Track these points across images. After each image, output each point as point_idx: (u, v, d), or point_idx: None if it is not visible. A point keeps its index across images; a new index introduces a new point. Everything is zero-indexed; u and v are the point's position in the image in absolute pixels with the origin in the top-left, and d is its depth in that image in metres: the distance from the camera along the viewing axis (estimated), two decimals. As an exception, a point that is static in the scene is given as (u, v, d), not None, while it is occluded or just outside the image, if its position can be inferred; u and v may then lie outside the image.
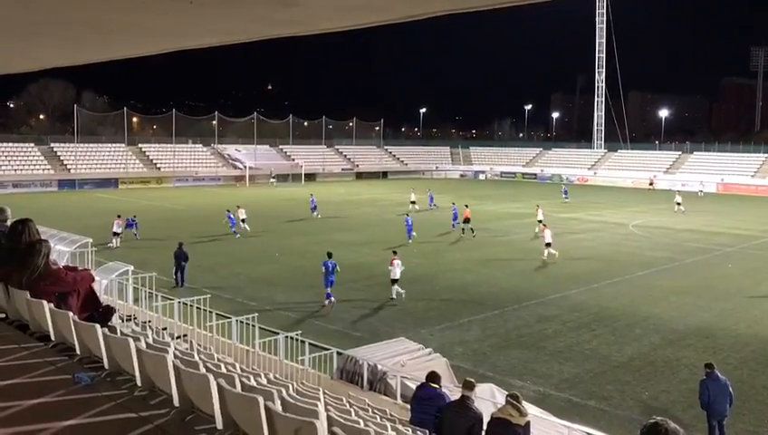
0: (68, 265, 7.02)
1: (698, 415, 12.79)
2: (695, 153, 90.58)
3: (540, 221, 38.46)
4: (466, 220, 39.51)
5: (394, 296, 23.88)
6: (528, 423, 8.70)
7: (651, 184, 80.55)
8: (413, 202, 50.85)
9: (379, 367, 13.48)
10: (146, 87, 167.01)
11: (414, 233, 36.82)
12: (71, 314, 6.11)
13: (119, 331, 6.26)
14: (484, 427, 8.82)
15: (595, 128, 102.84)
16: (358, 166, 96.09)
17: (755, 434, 13.57)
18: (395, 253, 25.50)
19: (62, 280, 6.53)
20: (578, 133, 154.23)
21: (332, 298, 23.00)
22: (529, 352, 18.36)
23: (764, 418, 14.29)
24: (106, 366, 5.69)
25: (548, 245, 32.15)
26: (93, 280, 6.84)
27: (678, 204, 53.17)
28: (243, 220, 39.47)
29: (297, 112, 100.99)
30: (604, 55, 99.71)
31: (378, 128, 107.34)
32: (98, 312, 6.66)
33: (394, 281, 24.24)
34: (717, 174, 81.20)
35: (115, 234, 33.71)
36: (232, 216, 38.89)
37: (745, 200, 65.67)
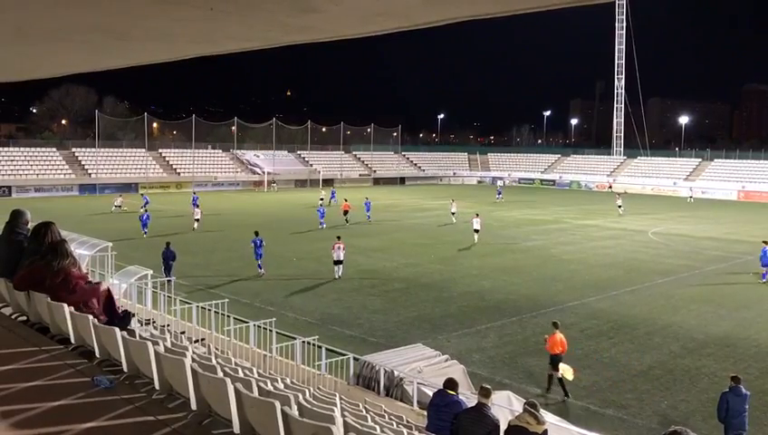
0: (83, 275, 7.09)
1: (718, 426, 12.63)
2: (715, 160, 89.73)
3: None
4: (345, 212, 46.56)
5: (338, 277, 27.94)
6: (546, 432, 8.64)
7: (610, 187, 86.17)
8: (321, 199, 56.25)
9: (396, 373, 13.47)
10: (166, 92, 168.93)
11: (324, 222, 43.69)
12: (90, 317, 6.17)
13: (137, 334, 6.31)
14: (501, 434, 8.77)
15: (614, 134, 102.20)
16: (375, 171, 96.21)
17: (777, 445, 13.39)
18: (339, 238, 29.42)
19: (71, 288, 6.60)
20: (597, 140, 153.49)
21: (261, 270, 28.51)
22: (546, 360, 18.22)
23: (786, 429, 14.09)
24: (125, 369, 5.73)
25: (476, 231, 38.96)
26: (98, 294, 6.87)
27: (619, 206, 56.47)
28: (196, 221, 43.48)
29: (315, 118, 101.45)
30: (624, 62, 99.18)
31: (395, 133, 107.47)
32: (117, 317, 6.73)
33: (337, 262, 28.20)
34: (738, 181, 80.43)
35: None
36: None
37: (767, 208, 64.87)
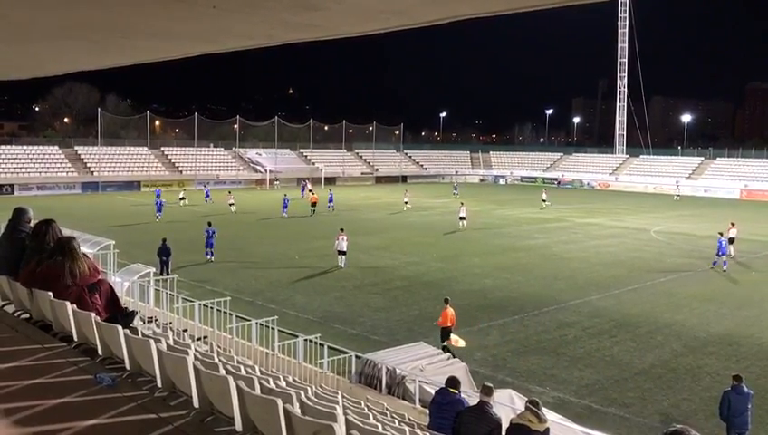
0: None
1: (720, 424, 12.62)
2: (718, 159, 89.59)
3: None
4: (313, 204, 51.80)
5: (342, 266, 29.77)
6: (547, 430, 8.64)
7: (559, 183, 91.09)
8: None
9: (398, 371, 13.48)
10: (168, 91, 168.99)
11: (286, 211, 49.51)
12: (93, 314, 6.18)
13: (140, 332, 6.32)
14: (503, 432, 8.78)
15: (617, 133, 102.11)
16: (378, 170, 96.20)
17: (779, 444, 13.39)
18: (342, 230, 30.97)
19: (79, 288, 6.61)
20: (599, 138, 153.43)
21: (210, 257, 30.99)
22: (549, 358, 18.24)
23: (788, 427, 14.08)
24: (127, 367, 5.74)
25: (462, 218, 43.43)
26: (101, 290, 6.86)
27: (544, 201, 58.85)
28: (231, 204, 51.73)
29: (318, 116, 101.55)
30: (626, 60, 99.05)
31: (398, 132, 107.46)
32: (120, 314, 6.73)
33: (341, 253, 30.02)
34: (741, 180, 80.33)
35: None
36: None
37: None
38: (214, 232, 31.42)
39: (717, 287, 27.67)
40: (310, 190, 57.93)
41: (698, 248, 36.96)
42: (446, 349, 17.27)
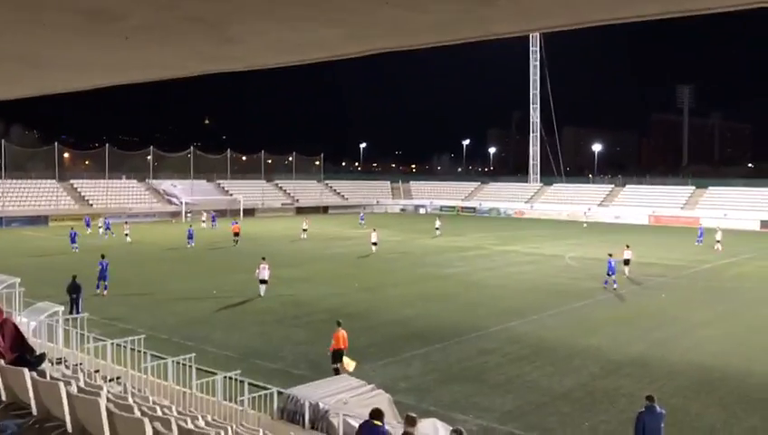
0: None
1: (637, 444, 12.97)
2: (627, 186, 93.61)
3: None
4: (236, 234, 53.04)
5: (261, 294, 30.10)
6: (472, 458, 8.67)
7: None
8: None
9: (321, 405, 13.27)
10: (78, 121, 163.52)
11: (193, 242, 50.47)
12: (-4, 359, 5.83)
13: (48, 374, 6.00)
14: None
15: (531, 162, 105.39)
16: (298, 200, 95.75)
17: (691, 461, 13.86)
18: (263, 259, 31.47)
19: None
20: (515, 167, 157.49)
21: (104, 290, 30.46)
22: (471, 386, 18.40)
23: (699, 445, 14.63)
24: (34, 412, 5.43)
25: (374, 244, 46.62)
26: (3, 330, 6.52)
27: (437, 229, 61.05)
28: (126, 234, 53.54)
29: (235, 147, 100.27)
30: (538, 92, 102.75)
31: (318, 162, 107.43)
32: (29, 355, 6.39)
33: (263, 281, 30.37)
34: (649, 206, 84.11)
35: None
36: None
37: (676, 232, 68.02)
38: (107, 265, 31.09)
39: (630, 310, 28.69)
40: (236, 222, 58.96)
41: (617, 275, 38.24)
42: (336, 371, 17.82)
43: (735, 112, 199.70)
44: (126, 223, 58.42)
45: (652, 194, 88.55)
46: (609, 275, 33.52)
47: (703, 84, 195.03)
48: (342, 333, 18.59)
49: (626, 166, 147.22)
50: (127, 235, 54.03)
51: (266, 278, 30.46)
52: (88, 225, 61.92)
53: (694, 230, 58.99)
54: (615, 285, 33.25)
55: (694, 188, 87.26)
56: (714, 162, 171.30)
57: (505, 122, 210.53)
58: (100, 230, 59.58)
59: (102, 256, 31.61)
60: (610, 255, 34.48)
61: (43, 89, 8.89)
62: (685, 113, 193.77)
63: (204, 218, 69.54)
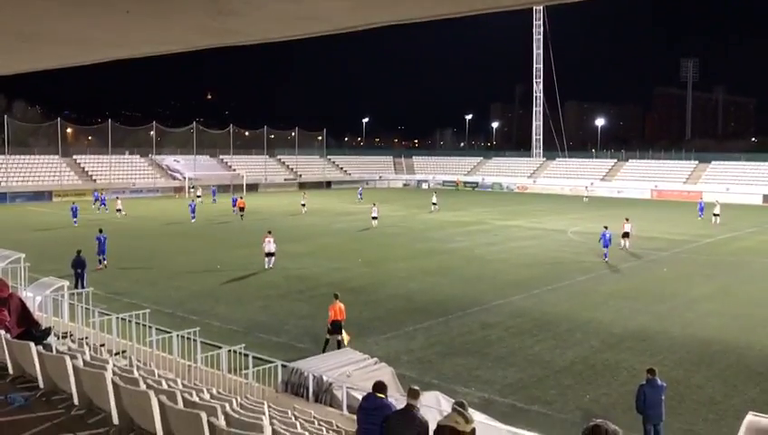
0: None
1: (637, 416, 13.10)
2: (630, 161, 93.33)
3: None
4: (241, 209, 53.50)
5: (270, 266, 31.03)
6: (474, 430, 8.74)
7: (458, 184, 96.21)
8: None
9: (325, 378, 13.39)
10: (80, 97, 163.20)
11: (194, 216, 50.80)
12: (2, 332, 5.89)
13: (54, 348, 6.06)
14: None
15: (534, 137, 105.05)
16: (301, 176, 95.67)
17: (691, 432, 14.00)
18: (269, 232, 32.12)
19: None
20: (517, 142, 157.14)
21: (104, 263, 30.85)
22: (473, 359, 18.53)
23: (699, 416, 14.77)
24: (41, 385, 5.50)
25: (374, 218, 47.17)
26: (9, 305, 6.57)
27: (434, 204, 60.64)
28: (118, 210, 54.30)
29: (238, 122, 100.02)
30: (542, 66, 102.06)
31: (320, 137, 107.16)
32: (35, 329, 6.45)
33: (269, 254, 31.13)
34: (651, 181, 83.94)
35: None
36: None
37: (678, 206, 67.95)
38: (105, 238, 31.50)
39: (631, 284, 28.76)
40: (240, 197, 59.25)
41: (613, 247, 38.29)
42: (327, 342, 18.50)
43: (739, 86, 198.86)
44: (117, 198, 59.53)
45: (655, 168, 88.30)
46: (605, 247, 34.44)
47: (707, 58, 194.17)
48: (339, 305, 18.78)
49: (629, 140, 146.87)
50: (119, 210, 54.43)
51: (272, 251, 31.21)
52: (101, 201, 61.57)
53: (696, 205, 58.88)
54: (606, 258, 34.07)
55: (697, 162, 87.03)
56: (717, 136, 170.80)
57: (508, 96, 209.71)
58: (93, 206, 60.46)
59: (100, 231, 32.02)
60: (606, 227, 35.39)
61: (42, 64, 8.83)
62: (689, 87, 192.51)
63: (200, 193, 69.55)
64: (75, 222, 47.72)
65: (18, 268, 20.65)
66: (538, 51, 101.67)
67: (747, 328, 21.92)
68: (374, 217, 47.45)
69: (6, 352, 5.84)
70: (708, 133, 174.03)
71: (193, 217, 50.78)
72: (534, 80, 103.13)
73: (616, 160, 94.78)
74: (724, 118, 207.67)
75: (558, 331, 21.40)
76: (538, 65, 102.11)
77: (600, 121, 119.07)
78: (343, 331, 18.47)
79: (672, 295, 26.67)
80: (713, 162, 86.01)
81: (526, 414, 14.77)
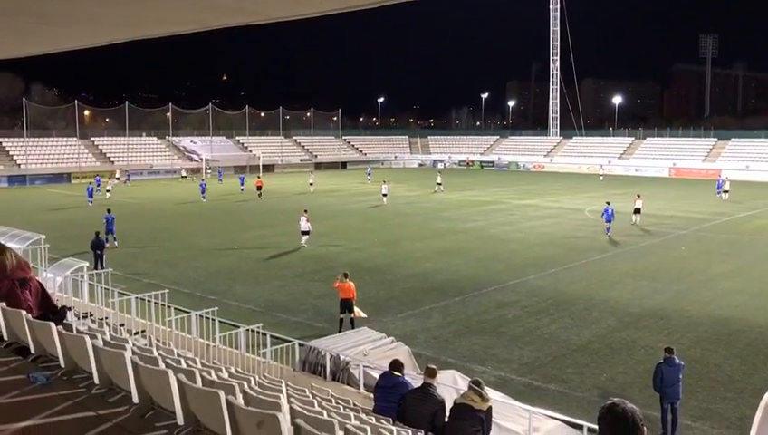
0: None
1: (654, 395, 13.08)
2: (647, 139, 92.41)
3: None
4: (259, 188, 54.61)
5: (304, 245, 31.60)
6: (490, 408, 8.79)
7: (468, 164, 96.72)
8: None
9: (342, 357, 13.47)
10: (97, 79, 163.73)
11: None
12: (24, 312, 5.96)
13: (74, 328, 6.13)
14: (447, 413, 8.88)
15: (550, 115, 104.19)
16: (317, 156, 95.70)
17: (708, 410, 13.95)
18: (306, 211, 32.89)
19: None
20: (534, 121, 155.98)
21: (114, 244, 31.24)
22: (489, 338, 18.55)
23: (717, 395, 14.71)
24: (62, 365, 5.57)
25: (384, 195, 48.66)
26: (30, 287, 6.63)
27: (438, 184, 60.40)
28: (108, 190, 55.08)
29: (253, 103, 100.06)
30: (558, 43, 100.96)
31: (336, 118, 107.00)
32: (52, 313, 6.51)
33: (304, 233, 31.92)
34: (669, 159, 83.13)
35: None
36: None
37: (696, 184, 67.28)
38: (113, 218, 32.06)
39: (649, 263, 28.59)
40: (258, 176, 61.40)
41: (631, 226, 38.09)
42: (341, 321, 18.68)
43: (760, 62, 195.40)
44: (109, 179, 61.68)
45: (673, 146, 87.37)
46: (607, 222, 35.02)
47: (726, 34, 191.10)
48: (350, 283, 19.01)
49: (647, 118, 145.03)
50: (108, 190, 55.15)
51: (307, 229, 32.04)
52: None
53: (715, 183, 58.25)
54: (608, 232, 34.75)
55: (716, 139, 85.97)
56: (737, 113, 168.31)
57: (525, 74, 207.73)
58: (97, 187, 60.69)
59: (108, 211, 32.70)
60: (608, 203, 35.92)
61: (52, 46, 8.81)
62: (708, 64, 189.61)
63: (209, 170, 73.33)
64: (90, 202, 48.93)
65: (38, 249, 20.90)
66: (555, 28, 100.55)
67: (766, 307, 21.74)
68: (384, 195, 48.79)
69: (28, 331, 5.91)
70: (728, 110, 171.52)
71: (203, 197, 52.00)
72: (551, 57, 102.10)
73: (633, 138, 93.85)
74: (744, 94, 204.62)
75: (574, 310, 21.35)
76: (555, 42, 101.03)
77: (617, 99, 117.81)
78: (355, 307, 18.82)
79: (690, 274, 26.49)
80: (732, 139, 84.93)
81: (543, 393, 14.80)
